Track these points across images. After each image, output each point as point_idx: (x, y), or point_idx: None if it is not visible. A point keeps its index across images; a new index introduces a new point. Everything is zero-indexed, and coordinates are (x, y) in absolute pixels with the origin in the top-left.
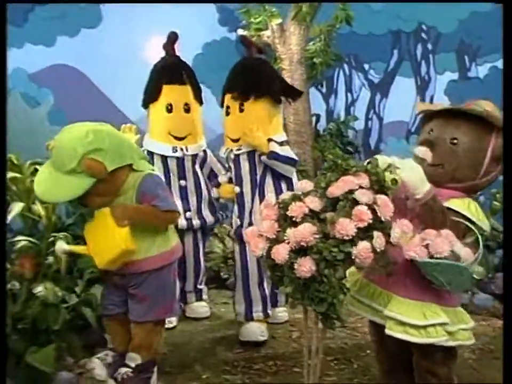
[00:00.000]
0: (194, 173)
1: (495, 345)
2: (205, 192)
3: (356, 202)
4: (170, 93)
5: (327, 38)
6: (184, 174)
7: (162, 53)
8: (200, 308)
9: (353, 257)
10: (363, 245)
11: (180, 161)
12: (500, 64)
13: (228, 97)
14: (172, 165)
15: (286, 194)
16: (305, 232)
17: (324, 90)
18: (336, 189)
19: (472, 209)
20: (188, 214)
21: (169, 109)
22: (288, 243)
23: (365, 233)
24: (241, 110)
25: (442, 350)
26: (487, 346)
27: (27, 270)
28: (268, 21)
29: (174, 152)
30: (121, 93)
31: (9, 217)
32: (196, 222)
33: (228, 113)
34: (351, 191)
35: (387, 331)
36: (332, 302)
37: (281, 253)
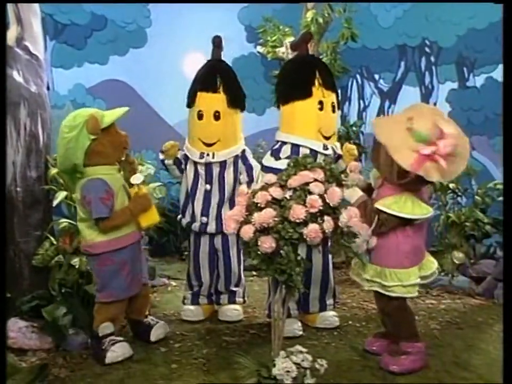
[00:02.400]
0: (221, 178)
1: (461, 318)
2: (227, 198)
3: (310, 193)
4: (202, 100)
5: (333, 53)
6: (211, 179)
7: (197, 68)
8: (230, 311)
9: (304, 237)
10: (312, 227)
11: (208, 166)
12: (495, 74)
13: None
14: (201, 169)
15: (257, 185)
16: (266, 216)
17: (339, 98)
18: (294, 181)
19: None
20: (203, 219)
21: (200, 115)
22: (254, 224)
23: (317, 217)
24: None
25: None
26: (454, 320)
27: (68, 245)
28: (282, 39)
29: (200, 158)
30: (162, 101)
31: (55, 203)
32: (211, 227)
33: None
34: (307, 183)
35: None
36: (290, 273)
37: (247, 232)
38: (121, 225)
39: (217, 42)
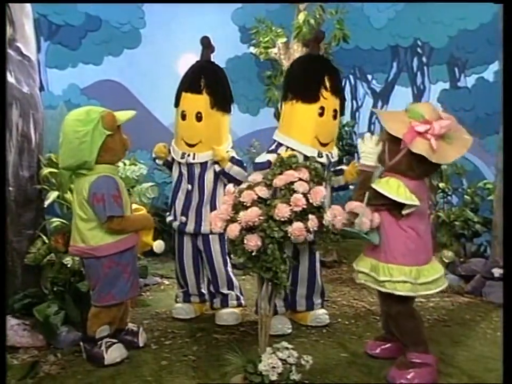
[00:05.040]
0: (202, 179)
1: (449, 316)
2: (207, 199)
3: (295, 191)
4: (186, 100)
5: (325, 54)
6: (192, 179)
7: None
8: (226, 315)
9: (289, 235)
10: (296, 225)
11: (189, 166)
12: (486, 75)
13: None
14: (183, 169)
15: (243, 184)
16: (252, 214)
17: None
18: (279, 181)
19: (385, 184)
20: (182, 218)
21: (183, 116)
22: (240, 223)
23: (301, 216)
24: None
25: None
26: (441, 317)
27: (60, 244)
28: (275, 40)
29: (182, 158)
30: (156, 102)
31: (46, 203)
32: (190, 227)
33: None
34: (292, 183)
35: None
36: (276, 271)
37: (233, 230)
38: (128, 230)
39: (205, 43)
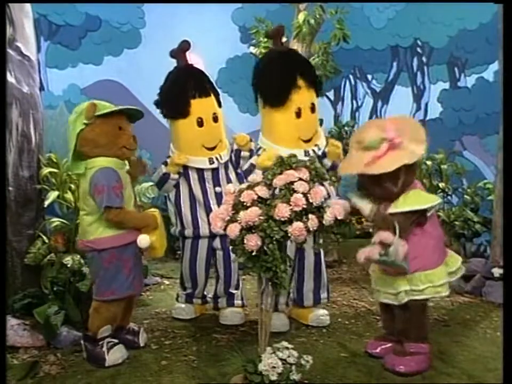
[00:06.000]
0: (228, 179)
1: (449, 316)
2: None
3: (295, 191)
4: (199, 107)
5: (325, 54)
6: (218, 181)
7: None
8: (231, 314)
9: (289, 235)
10: (296, 225)
11: (214, 170)
12: (485, 75)
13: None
14: (208, 174)
15: (243, 184)
16: (252, 214)
17: (332, 98)
18: (279, 181)
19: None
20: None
21: (200, 122)
22: (240, 223)
23: (301, 216)
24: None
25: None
26: (441, 317)
27: (60, 244)
28: None
29: (211, 164)
30: None
31: (46, 203)
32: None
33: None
34: (291, 183)
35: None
36: (276, 270)
37: (233, 230)
38: (127, 224)
39: (186, 48)
